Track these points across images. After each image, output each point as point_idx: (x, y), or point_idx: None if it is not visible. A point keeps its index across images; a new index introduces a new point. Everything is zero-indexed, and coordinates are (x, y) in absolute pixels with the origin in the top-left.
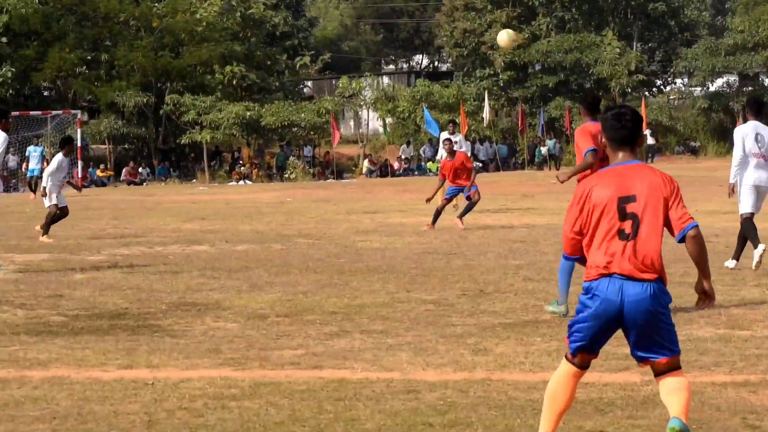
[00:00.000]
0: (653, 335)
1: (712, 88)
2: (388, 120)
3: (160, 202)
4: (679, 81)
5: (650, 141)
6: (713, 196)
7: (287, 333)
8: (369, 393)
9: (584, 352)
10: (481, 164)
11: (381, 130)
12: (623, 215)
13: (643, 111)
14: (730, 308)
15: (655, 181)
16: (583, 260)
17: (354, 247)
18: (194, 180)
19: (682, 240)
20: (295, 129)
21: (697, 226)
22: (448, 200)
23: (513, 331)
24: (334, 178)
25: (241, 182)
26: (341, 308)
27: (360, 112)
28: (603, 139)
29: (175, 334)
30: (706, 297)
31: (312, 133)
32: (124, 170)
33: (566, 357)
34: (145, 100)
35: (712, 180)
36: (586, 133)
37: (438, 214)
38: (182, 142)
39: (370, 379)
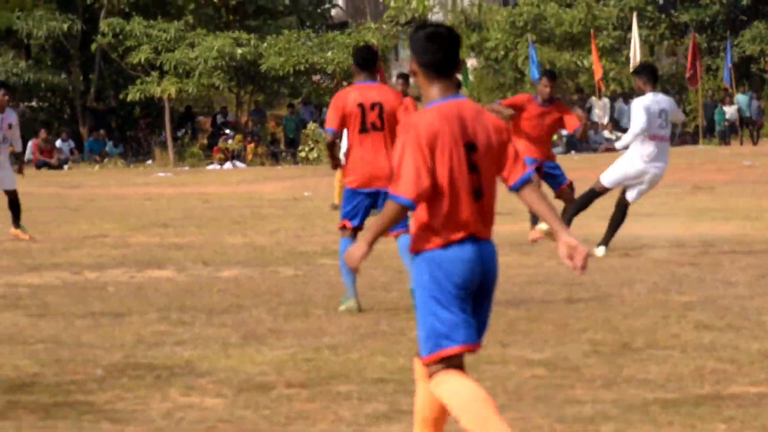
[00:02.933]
0: (488, 309)
1: None
2: (471, 62)
3: (93, 198)
4: None
5: None
6: None
7: (305, 414)
8: None
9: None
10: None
11: (459, 77)
12: (471, 167)
13: None
14: None
15: (494, 126)
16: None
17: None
18: (149, 161)
19: (516, 189)
20: (318, 77)
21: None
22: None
23: (678, 414)
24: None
25: (228, 165)
26: (393, 373)
27: None
28: (413, 67)
29: (117, 416)
30: (574, 255)
31: (345, 83)
32: (30, 144)
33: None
34: (65, 27)
35: None
36: (338, 100)
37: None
38: (129, 98)
39: None
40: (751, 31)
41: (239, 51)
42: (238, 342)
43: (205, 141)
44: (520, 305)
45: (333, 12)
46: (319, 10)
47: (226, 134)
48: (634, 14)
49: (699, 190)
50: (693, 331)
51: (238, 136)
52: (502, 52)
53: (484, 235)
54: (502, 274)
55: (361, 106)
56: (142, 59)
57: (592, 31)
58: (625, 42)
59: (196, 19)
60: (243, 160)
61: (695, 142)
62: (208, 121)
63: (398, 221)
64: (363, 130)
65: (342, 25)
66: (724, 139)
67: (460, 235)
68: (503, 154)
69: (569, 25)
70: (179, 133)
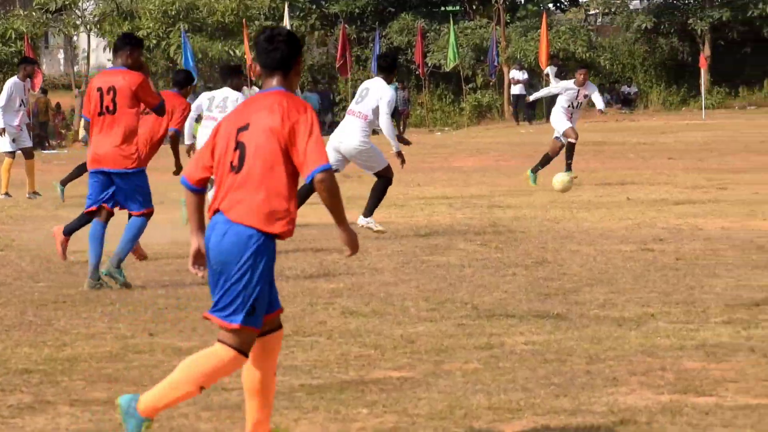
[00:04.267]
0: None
1: None
2: None
3: None
4: None
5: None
6: (658, 176)
7: None
8: None
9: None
10: None
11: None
12: (236, 145)
13: (543, 34)
14: (682, 359)
15: (276, 108)
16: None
17: (64, 262)
18: None
19: (311, 181)
20: None
21: (328, 169)
22: None
23: (323, 399)
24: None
25: None
26: (39, 363)
27: (75, 38)
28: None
29: None
30: (349, 246)
31: None
32: None
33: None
34: None
35: (659, 148)
36: (89, 86)
37: None
38: None
39: None
40: (399, 22)
41: None
42: None
43: None
44: (169, 294)
45: None
46: None
47: None
48: (286, 5)
49: (347, 179)
50: (339, 318)
51: None
52: (154, 41)
53: (228, 211)
54: (152, 263)
55: (99, 90)
56: None
57: (244, 20)
58: None
59: None
60: None
61: None
62: None
63: (193, 203)
64: (100, 113)
65: None
66: None
67: (215, 206)
68: (294, 147)
69: (221, 14)
70: None
